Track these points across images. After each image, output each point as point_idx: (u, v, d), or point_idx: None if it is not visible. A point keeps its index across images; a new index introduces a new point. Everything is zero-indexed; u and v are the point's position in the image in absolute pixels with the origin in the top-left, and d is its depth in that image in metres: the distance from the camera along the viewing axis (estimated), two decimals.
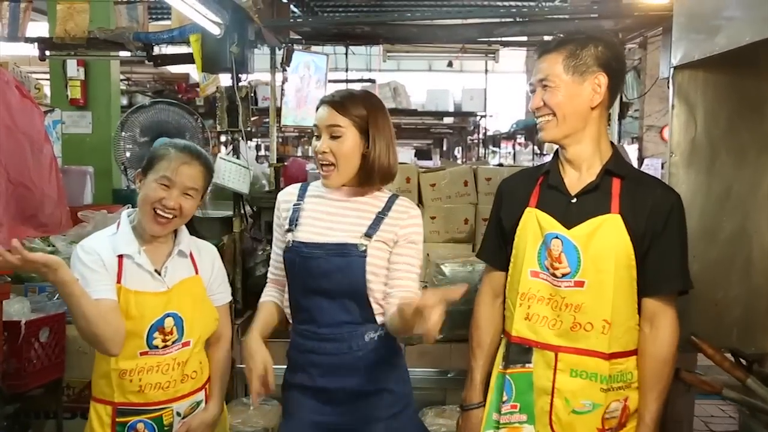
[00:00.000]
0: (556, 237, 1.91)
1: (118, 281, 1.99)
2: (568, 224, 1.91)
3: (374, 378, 1.99)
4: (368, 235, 1.95)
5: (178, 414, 2.07)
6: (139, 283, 2.02)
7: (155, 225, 2.00)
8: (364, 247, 1.94)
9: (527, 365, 1.96)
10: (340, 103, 1.96)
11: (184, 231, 2.14)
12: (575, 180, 1.96)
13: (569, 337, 1.91)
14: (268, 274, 2.19)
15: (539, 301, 1.94)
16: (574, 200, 1.94)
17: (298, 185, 2.14)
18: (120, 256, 2.01)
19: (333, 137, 1.95)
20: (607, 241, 1.87)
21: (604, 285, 1.87)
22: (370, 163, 1.96)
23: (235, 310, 3.61)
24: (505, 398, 1.99)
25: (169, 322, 2.02)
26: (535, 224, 1.96)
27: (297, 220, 2.02)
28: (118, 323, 1.94)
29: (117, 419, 2.01)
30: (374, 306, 1.98)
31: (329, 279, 1.95)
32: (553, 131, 1.94)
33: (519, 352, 1.98)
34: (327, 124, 1.95)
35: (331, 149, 1.94)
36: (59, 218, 4.03)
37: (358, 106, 1.96)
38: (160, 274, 2.05)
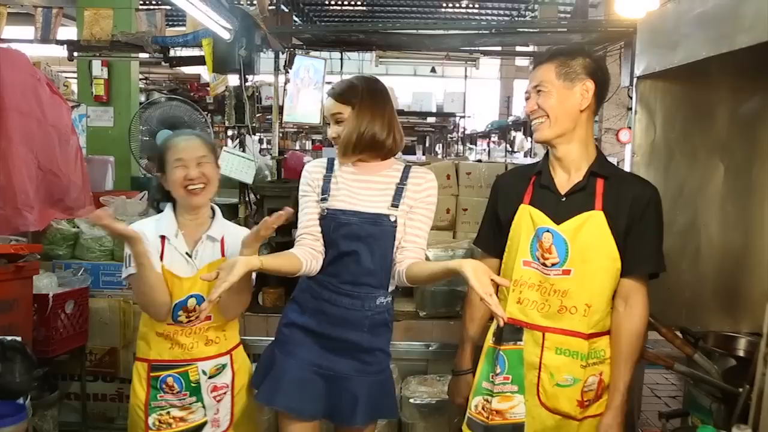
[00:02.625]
0: (547, 231, 1.91)
1: (161, 258, 2.05)
2: (558, 220, 1.91)
3: (373, 337, 2.01)
4: (395, 205, 1.98)
5: (204, 372, 2.09)
6: (174, 263, 2.06)
7: (192, 198, 2.05)
8: (394, 218, 1.97)
9: (518, 343, 1.97)
10: (340, 93, 2.01)
11: (218, 218, 2.18)
12: (564, 181, 1.97)
13: (555, 319, 1.91)
14: (298, 237, 2.06)
15: (530, 288, 1.95)
16: (564, 199, 1.94)
17: (324, 159, 2.12)
18: (162, 237, 2.06)
19: (337, 122, 2.01)
20: (591, 234, 1.88)
21: (588, 272, 1.88)
22: (357, 137, 1.98)
23: None
24: (498, 370, 1.99)
25: (192, 302, 2.05)
26: (528, 219, 1.96)
27: (329, 191, 2.02)
28: (167, 292, 2.02)
29: (151, 374, 2.08)
30: (388, 274, 2.01)
31: (362, 243, 1.96)
32: (546, 131, 1.94)
33: (511, 331, 1.98)
34: (332, 112, 2.01)
35: (338, 133, 2.00)
36: (83, 202, 3.97)
37: (355, 92, 2.00)
38: (191, 256, 2.08)
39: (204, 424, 2.10)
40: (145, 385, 2.08)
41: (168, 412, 2.07)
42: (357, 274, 1.97)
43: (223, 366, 2.13)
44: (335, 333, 1.99)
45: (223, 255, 2.12)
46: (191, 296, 2.05)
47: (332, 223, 1.98)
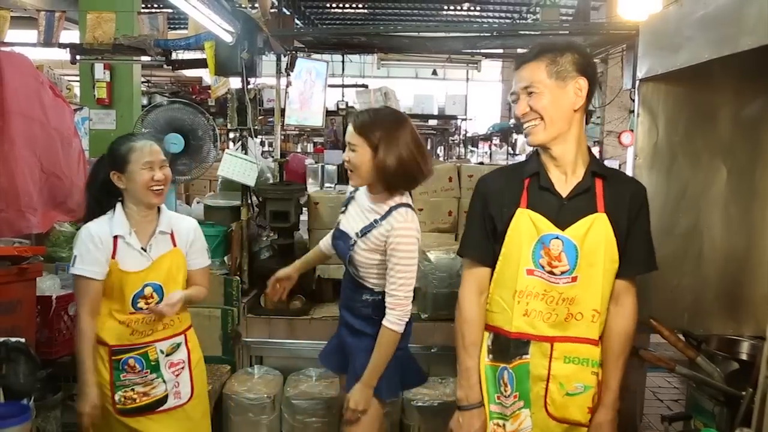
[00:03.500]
0: (557, 238, 1.82)
1: (113, 257, 2.24)
2: (561, 225, 1.83)
3: (362, 324, 2.29)
4: (358, 233, 2.22)
5: (162, 351, 2.34)
6: (129, 258, 2.26)
7: (155, 198, 2.28)
8: (353, 241, 2.23)
9: (524, 357, 1.88)
10: (359, 126, 2.16)
11: (165, 212, 2.38)
12: (563, 182, 1.87)
13: (562, 328, 1.85)
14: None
15: (535, 297, 1.85)
16: (566, 202, 1.85)
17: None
18: (115, 237, 2.25)
19: (351, 150, 2.18)
20: (597, 237, 1.81)
21: (594, 278, 1.82)
22: (378, 170, 2.14)
23: (241, 290, 3.59)
24: (508, 390, 1.91)
25: (148, 290, 2.28)
26: (529, 225, 1.85)
27: (345, 208, 2.37)
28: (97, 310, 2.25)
29: (113, 357, 2.28)
30: (365, 282, 2.27)
31: (339, 255, 2.34)
32: (541, 135, 1.83)
33: (517, 346, 1.89)
34: (348, 140, 2.20)
35: (350, 159, 2.19)
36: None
37: (375, 129, 2.13)
38: (146, 250, 2.30)
39: (166, 396, 2.33)
40: (108, 366, 2.27)
41: (132, 389, 2.29)
42: (347, 276, 2.36)
43: (178, 345, 2.39)
44: (344, 316, 2.37)
45: (174, 246, 2.37)
46: (147, 285, 2.27)
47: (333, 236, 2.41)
